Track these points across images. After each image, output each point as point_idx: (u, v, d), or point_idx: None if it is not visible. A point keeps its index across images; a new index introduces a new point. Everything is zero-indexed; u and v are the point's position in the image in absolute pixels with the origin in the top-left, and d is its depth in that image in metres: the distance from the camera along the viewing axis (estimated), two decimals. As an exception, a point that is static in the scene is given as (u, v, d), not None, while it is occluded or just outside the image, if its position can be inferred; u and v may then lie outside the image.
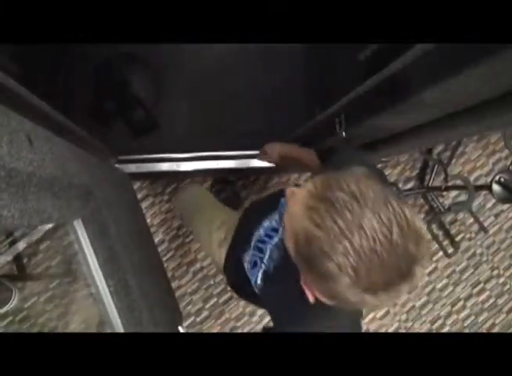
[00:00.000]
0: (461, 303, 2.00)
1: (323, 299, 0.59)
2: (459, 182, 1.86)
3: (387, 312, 1.96)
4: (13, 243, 1.67)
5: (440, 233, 1.98)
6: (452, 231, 1.98)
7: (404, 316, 1.97)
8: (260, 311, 1.88)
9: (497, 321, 2.01)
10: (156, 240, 1.83)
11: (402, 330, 1.96)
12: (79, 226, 0.85)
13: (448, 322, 1.99)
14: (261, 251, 0.88)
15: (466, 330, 1.98)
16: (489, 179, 1.65)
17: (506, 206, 2.00)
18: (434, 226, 1.97)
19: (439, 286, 1.99)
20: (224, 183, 1.86)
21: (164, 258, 1.83)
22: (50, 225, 1.79)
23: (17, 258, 1.69)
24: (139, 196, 1.83)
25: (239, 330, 1.86)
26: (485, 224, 1.99)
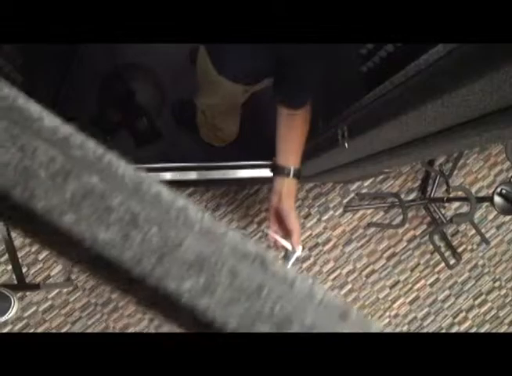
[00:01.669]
0: (463, 314, 1.99)
1: None
2: (460, 193, 1.86)
3: (389, 323, 1.95)
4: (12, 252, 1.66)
5: (442, 245, 1.98)
6: (454, 242, 1.98)
7: (406, 328, 1.96)
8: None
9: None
10: (158, 249, 1.83)
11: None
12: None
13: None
14: None
15: (469, 343, 1.97)
16: (491, 191, 1.65)
17: (507, 218, 2.00)
18: (436, 238, 1.96)
19: (441, 297, 1.98)
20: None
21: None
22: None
23: (16, 268, 1.68)
24: (141, 205, 1.83)
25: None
26: (487, 236, 1.98)
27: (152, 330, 1.80)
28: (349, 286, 1.94)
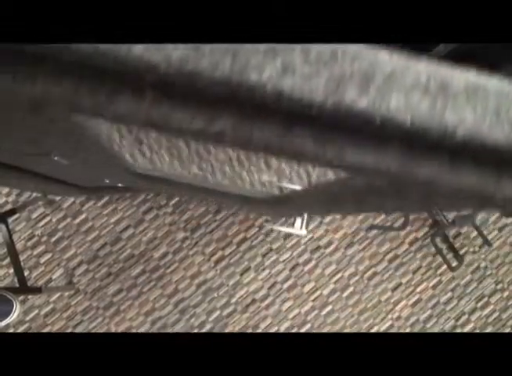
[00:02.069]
0: (465, 317, 1.98)
1: None
2: (462, 195, 1.85)
3: (391, 326, 1.94)
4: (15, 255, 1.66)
5: (444, 247, 1.98)
6: (456, 245, 1.97)
7: (408, 330, 1.96)
8: (263, 324, 1.87)
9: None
10: (160, 252, 1.83)
11: (406, 345, 1.94)
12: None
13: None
14: None
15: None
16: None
17: (510, 220, 1.99)
18: (438, 240, 1.96)
19: (443, 299, 1.97)
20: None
21: (168, 271, 1.83)
22: (53, 238, 1.79)
23: (18, 271, 1.68)
24: (143, 208, 1.83)
25: (242, 344, 1.84)
26: (489, 238, 1.98)
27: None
28: (351, 288, 1.94)
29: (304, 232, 1.01)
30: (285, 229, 1.00)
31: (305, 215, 1.02)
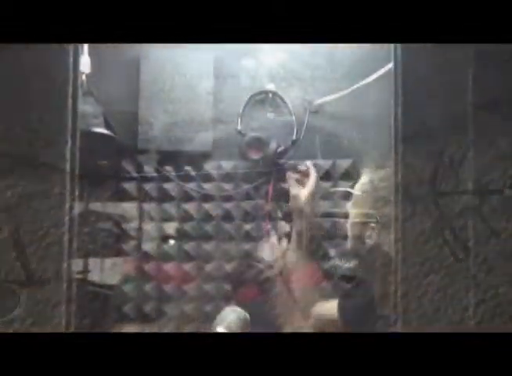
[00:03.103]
0: (473, 309, 1.97)
1: None
2: (470, 185, 1.84)
3: (397, 319, 1.94)
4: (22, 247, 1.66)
5: (451, 238, 1.96)
6: (464, 236, 1.96)
7: (415, 323, 1.95)
8: (269, 317, 1.87)
9: (510, 327, 1.98)
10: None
11: (413, 337, 1.93)
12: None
13: (461, 328, 1.96)
14: None
15: (479, 337, 1.95)
16: (501, 184, 1.63)
17: (518, 210, 1.98)
18: (445, 231, 1.95)
19: (450, 291, 1.96)
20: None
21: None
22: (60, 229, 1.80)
23: (25, 264, 1.69)
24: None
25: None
26: (497, 229, 1.96)
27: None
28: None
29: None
30: None
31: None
